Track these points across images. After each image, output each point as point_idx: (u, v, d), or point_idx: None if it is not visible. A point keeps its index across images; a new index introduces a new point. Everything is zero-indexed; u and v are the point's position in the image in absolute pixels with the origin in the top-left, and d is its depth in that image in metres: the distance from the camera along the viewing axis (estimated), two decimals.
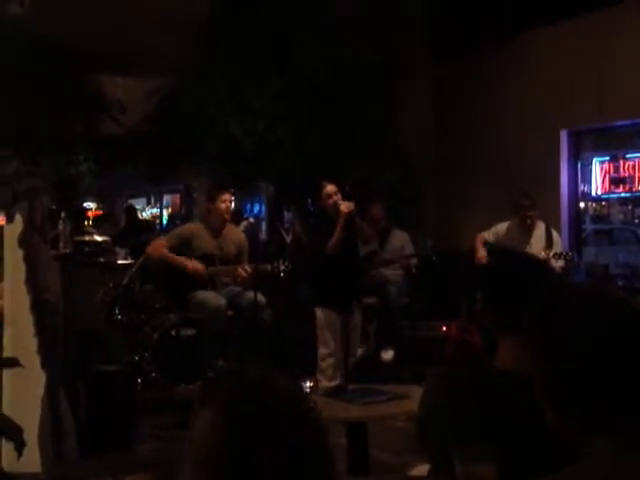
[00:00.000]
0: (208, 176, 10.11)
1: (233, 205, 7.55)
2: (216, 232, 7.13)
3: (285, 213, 11.02)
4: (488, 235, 7.74)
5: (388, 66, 9.44)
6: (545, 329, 1.58)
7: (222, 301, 6.82)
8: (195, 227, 7.35)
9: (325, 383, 6.34)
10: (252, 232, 9.48)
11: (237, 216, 11.60)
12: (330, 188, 6.68)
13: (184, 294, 6.93)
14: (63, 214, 7.80)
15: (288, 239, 9.70)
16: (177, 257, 6.96)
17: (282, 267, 6.73)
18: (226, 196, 7.14)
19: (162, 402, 6.46)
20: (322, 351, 6.70)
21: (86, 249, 8.11)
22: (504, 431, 2.06)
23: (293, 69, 9.07)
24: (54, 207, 8.72)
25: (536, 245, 7.46)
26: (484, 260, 7.44)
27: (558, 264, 7.30)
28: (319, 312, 6.71)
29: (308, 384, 3.83)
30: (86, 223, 10.58)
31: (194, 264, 6.91)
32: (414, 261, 8.68)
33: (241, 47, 9.08)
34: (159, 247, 7.11)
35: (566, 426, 1.53)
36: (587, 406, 1.49)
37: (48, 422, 4.77)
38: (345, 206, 6.47)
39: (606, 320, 1.50)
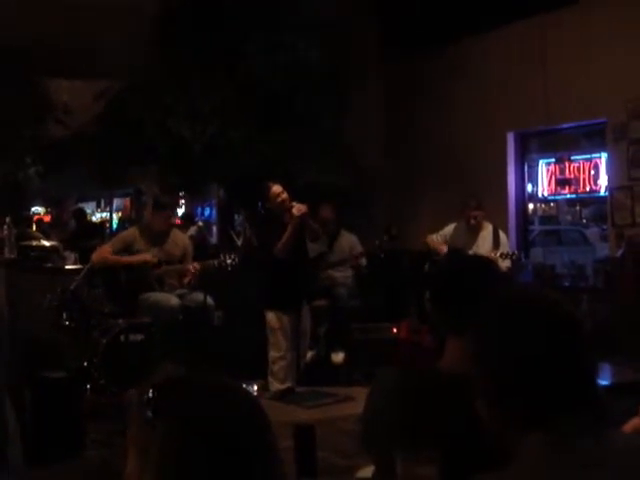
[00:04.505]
0: (159, 179, 10.05)
1: (183, 209, 7.60)
2: (160, 236, 7.17)
3: (236, 217, 10.98)
4: (436, 237, 7.82)
5: (338, 69, 9.47)
6: (484, 330, 1.62)
7: (175, 301, 6.85)
8: (139, 230, 7.37)
9: (277, 385, 6.34)
10: (201, 236, 9.44)
11: (188, 220, 11.54)
12: (276, 188, 6.67)
13: (133, 298, 6.90)
14: (8, 219, 7.68)
15: (239, 242, 9.68)
16: (122, 257, 7.00)
17: (228, 261, 6.73)
18: (170, 214, 7.24)
19: (111, 408, 6.38)
20: (273, 354, 6.67)
21: (32, 254, 8.00)
22: (445, 432, 2.08)
23: (243, 73, 9.05)
24: None
25: (483, 246, 7.56)
26: (444, 252, 7.51)
27: (505, 264, 7.39)
28: (270, 315, 6.68)
29: (255, 387, 3.82)
30: (34, 228, 10.43)
31: (142, 256, 6.96)
32: (363, 261, 8.72)
33: (191, 50, 9.03)
34: (103, 253, 7.14)
35: (500, 423, 1.56)
36: (521, 405, 1.53)
37: None
38: (297, 209, 6.46)
39: (542, 324, 1.55)
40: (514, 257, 7.58)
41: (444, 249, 7.59)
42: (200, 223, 9.02)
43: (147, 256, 6.99)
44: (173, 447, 1.23)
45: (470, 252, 7.45)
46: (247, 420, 1.28)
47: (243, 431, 1.25)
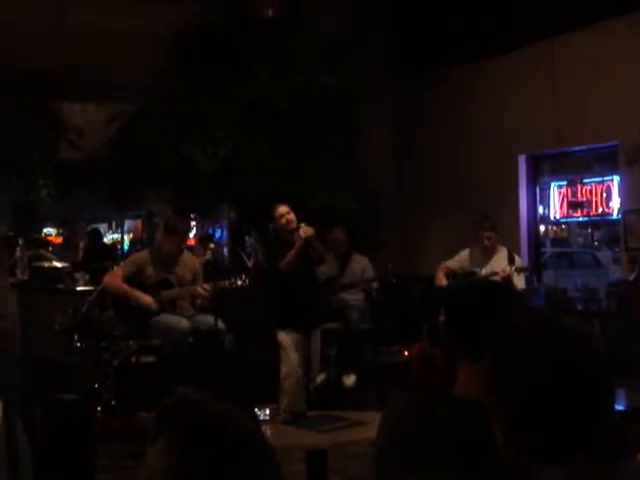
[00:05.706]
0: (171, 201, 10.08)
1: (195, 231, 7.59)
2: (171, 259, 7.16)
3: (247, 238, 11.00)
4: (452, 263, 7.72)
5: (349, 91, 9.49)
6: (501, 359, 1.60)
7: (186, 323, 6.84)
8: (150, 254, 7.36)
9: (286, 401, 6.32)
10: (215, 258, 9.46)
11: (205, 240, 11.56)
12: (282, 209, 6.65)
13: (144, 320, 6.89)
14: (21, 241, 7.71)
15: (250, 264, 9.69)
16: (131, 290, 6.95)
17: (239, 282, 6.72)
18: (181, 238, 7.25)
19: (122, 430, 6.37)
20: (285, 370, 6.62)
21: (45, 275, 8.03)
22: (459, 456, 2.06)
23: (255, 96, 9.08)
24: (11, 234, 8.62)
25: (498, 265, 7.46)
26: (443, 286, 7.49)
27: (520, 284, 7.33)
28: (281, 334, 6.66)
29: (267, 412, 3.81)
30: (45, 250, 10.45)
31: (147, 298, 6.91)
32: (375, 285, 8.70)
33: (203, 75, 9.08)
34: (115, 278, 7.12)
35: (516, 450, 1.54)
36: (538, 434, 1.51)
37: (3, 452, 4.67)
38: (304, 231, 6.45)
39: (560, 353, 1.52)
40: (529, 269, 7.59)
41: (444, 282, 7.57)
42: (212, 245, 9.01)
43: (150, 301, 6.94)
44: (170, 464, 1.23)
45: (484, 270, 7.40)
46: (248, 447, 1.27)
47: (244, 459, 1.24)
